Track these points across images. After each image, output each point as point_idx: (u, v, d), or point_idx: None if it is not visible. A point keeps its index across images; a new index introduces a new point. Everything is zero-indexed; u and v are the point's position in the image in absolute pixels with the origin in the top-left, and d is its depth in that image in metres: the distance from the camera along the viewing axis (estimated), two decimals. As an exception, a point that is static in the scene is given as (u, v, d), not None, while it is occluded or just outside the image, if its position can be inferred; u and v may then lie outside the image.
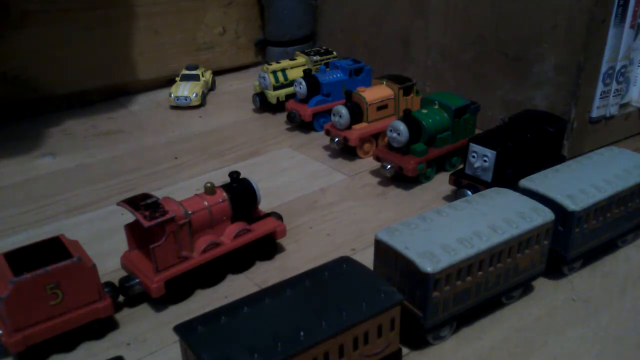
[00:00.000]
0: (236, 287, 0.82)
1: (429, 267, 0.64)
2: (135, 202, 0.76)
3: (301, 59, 1.41)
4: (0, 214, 1.01)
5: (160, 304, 0.78)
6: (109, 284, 0.75)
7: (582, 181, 0.81)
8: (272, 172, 1.13)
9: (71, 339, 0.71)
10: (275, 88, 1.37)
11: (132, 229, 0.79)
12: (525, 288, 0.78)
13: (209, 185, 0.81)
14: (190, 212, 0.77)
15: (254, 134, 1.30)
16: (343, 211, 1.00)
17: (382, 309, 0.61)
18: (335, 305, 0.60)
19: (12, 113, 1.39)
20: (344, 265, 0.66)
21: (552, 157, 1.00)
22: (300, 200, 1.03)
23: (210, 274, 0.82)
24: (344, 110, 1.13)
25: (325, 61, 1.40)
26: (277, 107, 1.40)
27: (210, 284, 0.82)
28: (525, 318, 0.75)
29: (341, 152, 1.20)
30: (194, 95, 1.43)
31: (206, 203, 0.80)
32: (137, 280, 0.76)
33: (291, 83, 1.35)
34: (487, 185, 0.91)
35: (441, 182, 1.07)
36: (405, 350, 0.70)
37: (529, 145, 0.96)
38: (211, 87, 1.57)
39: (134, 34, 1.49)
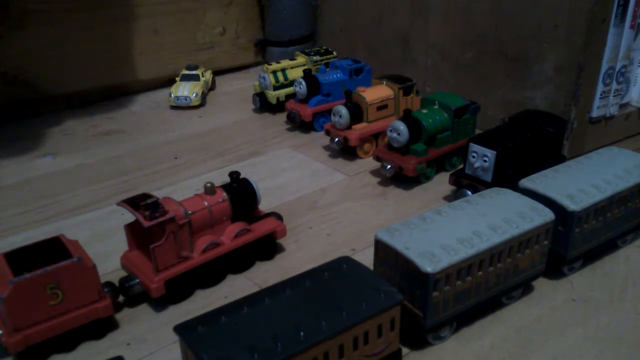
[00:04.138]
0: (236, 287, 0.82)
1: (429, 267, 0.64)
2: (135, 202, 0.76)
3: (301, 59, 1.41)
4: (0, 214, 1.01)
5: (160, 304, 0.78)
6: (109, 284, 0.75)
7: (582, 181, 0.81)
8: (272, 172, 1.13)
9: (71, 339, 0.71)
10: (275, 88, 1.37)
11: (132, 229, 0.79)
12: (525, 288, 0.78)
13: (209, 185, 0.81)
14: (190, 212, 0.77)
15: (254, 134, 1.30)
16: (343, 211, 1.00)
17: (382, 309, 0.61)
18: (335, 305, 0.60)
19: (12, 113, 1.39)
20: (344, 265, 0.66)
21: (552, 157, 1.00)
22: (300, 200, 1.03)
23: (210, 274, 0.81)
24: (344, 110, 1.13)
25: (325, 61, 1.40)
26: (277, 107, 1.40)
27: (210, 284, 0.82)
28: (525, 318, 0.75)
29: (341, 152, 1.20)
30: (194, 95, 1.43)
31: (206, 203, 0.80)
32: (137, 280, 0.76)
33: (291, 83, 1.35)
34: (487, 185, 0.91)
35: (441, 182, 1.07)
36: (405, 350, 0.70)
37: (529, 145, 0.96)
38: (211, 87, 1.57)
39: (134, 34, 1.49)
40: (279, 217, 0.89)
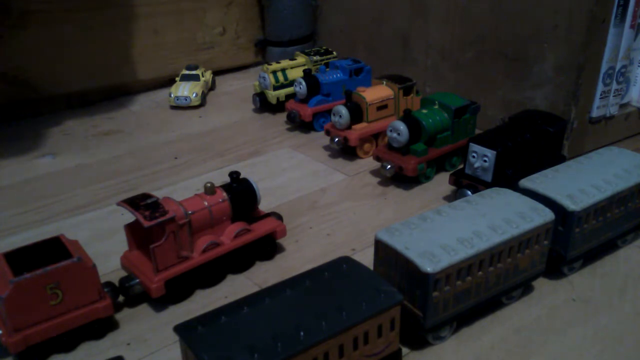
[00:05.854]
0: (236, 287, 0.82)
1: (429, 267, 0.64)
2: (135, 202, 0.76)
3: (301, 59, 1.41)
4: (0, 214, 1.01)
5: (160, 304, 0.78)
6: (109, 284, 0.75)
7: (582, 181, 0.81)
8: (272, 172, 1.13)
9: (71, 339, 0.71)
10: (275, 88, 1.37)
11: (132, 229, 0.79)
12: (525, 288, 0.78)
13: (209, 185, 0.81)
14: (190, 212, 0.77)
15: (254, 134, 1.30)
16: (343, 211, 1.00)
17: (382, 309, 0.61)
18: (335, 305, 0.60)
19: (12, 113, 1.39)
20: (344, 265, 0.66)
21: (552, 157, 1.00)
22: (300, 200, 1.03)
23: (210, 274, 0.81)
24: (344, 110, 1.13)
25: (325, 61, 1.40)
26: (277, 107, 1.40)
27: (210, 284, 0.82)
28: (525, 318, 0.75)
29: (341, 152, 1.20)
30: (194, 95, 1.43)
31: (206, 203, 0.80)
32: (137, 280, 0.76)
33: (291, 83, 1.35)
34: (487, 185, 0.91)
35: (441, 182, 1.07)
36: (405, 350, 0.70)
37: (529, 145, 0.96)
38: (211, 87, 1.57)
39: (134, 34, 1.49)
40: (279, 217, 0.89)
